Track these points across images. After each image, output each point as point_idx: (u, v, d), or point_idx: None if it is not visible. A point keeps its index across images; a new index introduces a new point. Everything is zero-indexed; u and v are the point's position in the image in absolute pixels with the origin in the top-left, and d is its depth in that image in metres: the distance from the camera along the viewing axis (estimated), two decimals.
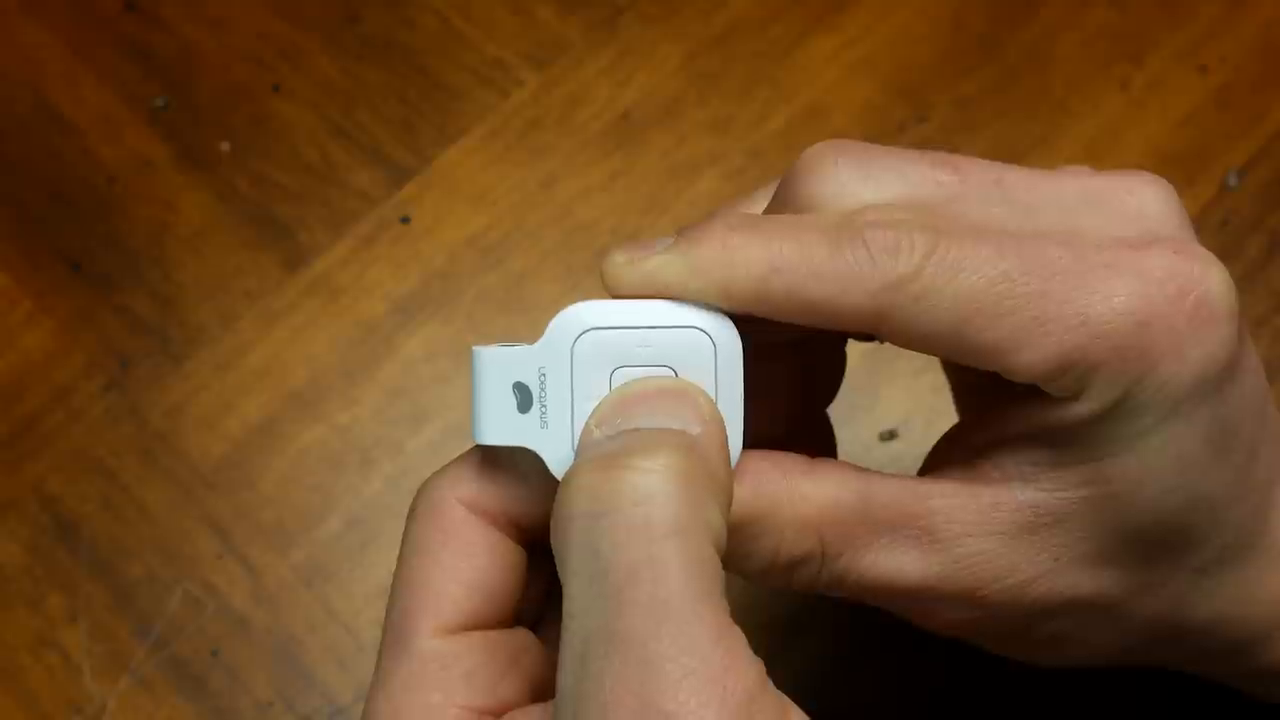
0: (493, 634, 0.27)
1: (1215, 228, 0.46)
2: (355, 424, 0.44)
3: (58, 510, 0.43)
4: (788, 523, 0.27)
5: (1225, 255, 0.28)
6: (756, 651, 0.24)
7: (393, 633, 0.27)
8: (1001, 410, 0.28)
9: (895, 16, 0.50)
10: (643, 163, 0.48)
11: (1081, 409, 0.26)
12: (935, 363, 0.44)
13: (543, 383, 0.27)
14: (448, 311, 0.46)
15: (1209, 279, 0.26)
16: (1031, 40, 0.49)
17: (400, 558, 0.28)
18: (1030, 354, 0.26)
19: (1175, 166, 0.46)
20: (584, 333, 0.26)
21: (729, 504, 0.26)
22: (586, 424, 0.26)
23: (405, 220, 0.47)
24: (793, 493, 0.27)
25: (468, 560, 0.27)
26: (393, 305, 0.46)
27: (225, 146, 0.48)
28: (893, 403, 0.44)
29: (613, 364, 0.27)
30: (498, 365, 0.27)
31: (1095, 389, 0.26)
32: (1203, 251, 0.27)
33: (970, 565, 0.28)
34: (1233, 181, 0.46)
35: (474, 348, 0.27)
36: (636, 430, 0.26)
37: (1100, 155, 0.47)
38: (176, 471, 0.44)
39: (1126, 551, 0.28)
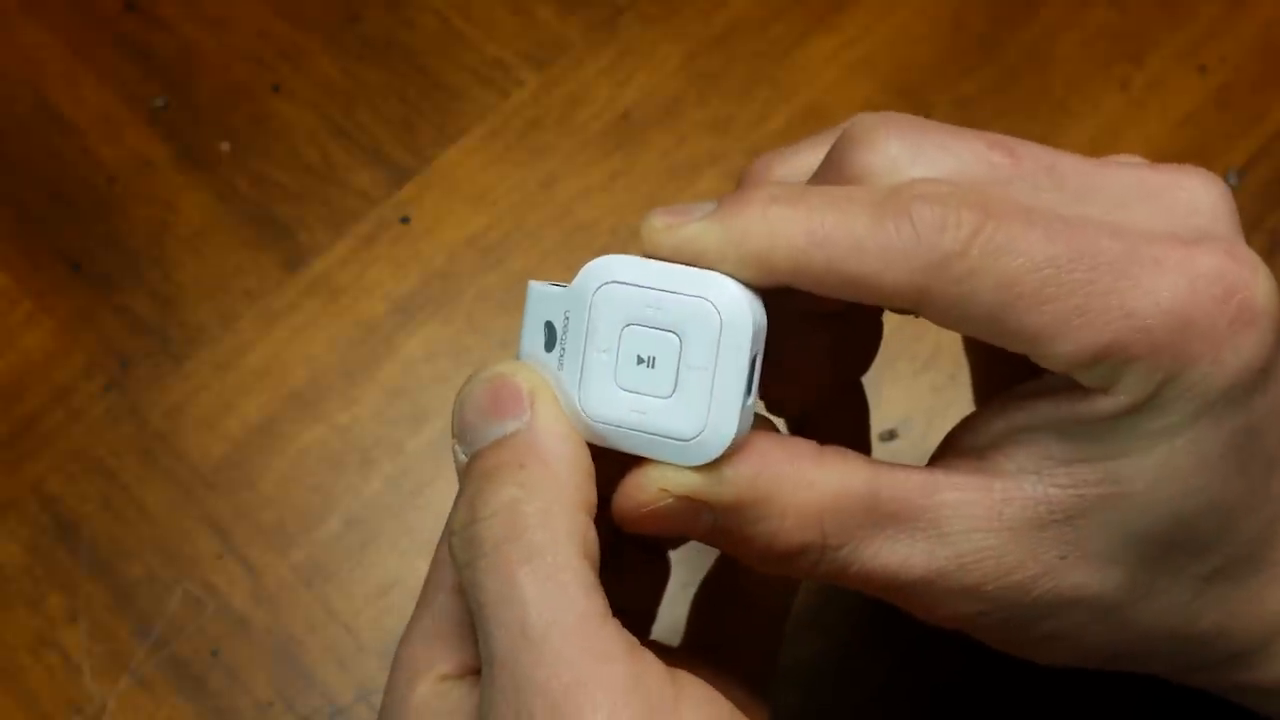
0: None
1: None
2: (355, 424, 0.44)
3: (58, 510, 0.43)
4: (789, 509, 0.27)
5: None
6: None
7: (425, 587, 0.28)
8: (1023, 399, 0.28)
9: (895, 16, 0.50)
10: (643, 163, 0.48)
11: (1110, 402, 0.26)
12: (935, 362, 0.44)
13: (565, 326, 0.27)
14: (448, 311, 0.46)
15: (1256, 283, 0.26)
16: (1031, 40, 0.49)
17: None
18: (1071, 343, 0.25)
19: None
20: (604, 284, 0.27)
21: (588, 477, 0.27)
22: (452, 443, 0.28)
23: (405, 220, 0.47)
24: (798, 479, 0.27)
25: None
26: (393, 305, 0.46)
27: (225, 146, 0.48)
28: (893, 403, 0.44)
29: (624, 320, 0.27)
30: (538, 302, 0.28)
31: (1128, 382, 0.26)
32: (1251, 254, 0.27)
33: (976, 560, 0.27)
34: (1233, 181, 0.46)
35: (530, 281, 0.28)
36: (480, 456, 0.26)
37: (1101, 155, 0.47)
38: (176, 471, 0.44)
39: (1133, 554, 0.28)
